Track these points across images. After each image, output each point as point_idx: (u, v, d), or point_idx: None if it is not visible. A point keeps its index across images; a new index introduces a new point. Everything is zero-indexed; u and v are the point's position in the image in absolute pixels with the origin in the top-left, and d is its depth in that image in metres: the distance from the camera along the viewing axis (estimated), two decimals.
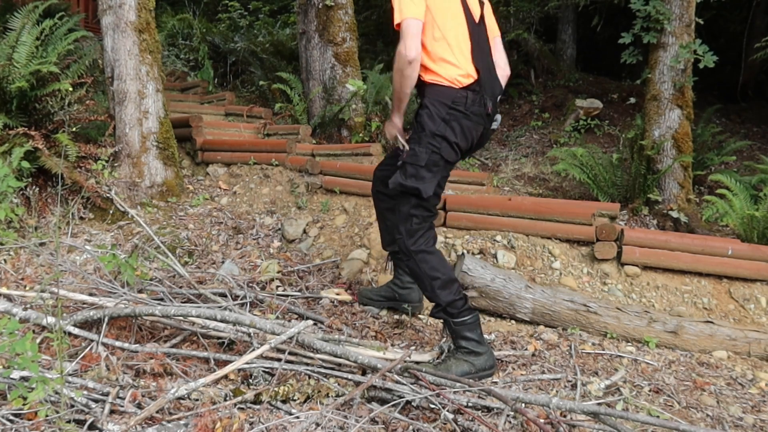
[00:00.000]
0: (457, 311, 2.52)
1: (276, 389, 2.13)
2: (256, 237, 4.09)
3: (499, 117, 2.63)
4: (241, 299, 2.95)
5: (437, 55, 2.47)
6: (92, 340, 2.39)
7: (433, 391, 2.15)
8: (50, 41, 4.25)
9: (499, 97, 2.62)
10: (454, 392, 2.20)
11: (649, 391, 2.56)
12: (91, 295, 2.79)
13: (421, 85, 2.53)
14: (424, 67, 2.48)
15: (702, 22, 5.00)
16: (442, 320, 2.62)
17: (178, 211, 4.29)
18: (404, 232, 2.55)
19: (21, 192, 3.73)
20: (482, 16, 2.65)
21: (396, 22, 2.43)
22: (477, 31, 2.58)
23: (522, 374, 2.61)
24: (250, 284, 3.31)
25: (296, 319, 2.95)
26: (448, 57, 2.47)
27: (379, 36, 9.04)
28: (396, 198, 2.58)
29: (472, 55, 2.51)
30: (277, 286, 3.41)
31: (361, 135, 5.80)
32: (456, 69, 2.47)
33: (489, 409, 2.18)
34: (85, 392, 2.00)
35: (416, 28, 2.39)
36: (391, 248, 3.03)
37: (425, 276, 2.54)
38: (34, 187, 3.77)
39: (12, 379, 1.98)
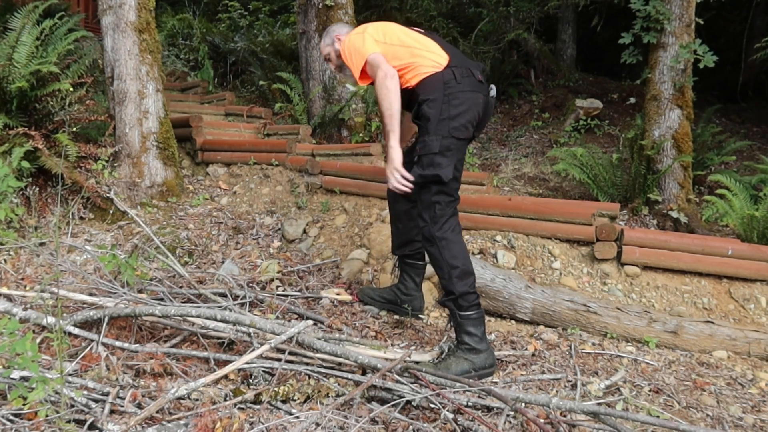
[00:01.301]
0: (467, 305, 2.55)
1: (276, 389, 2.13)
2: (256, 237, 4.09)
3: (493, 87, 2.72)
4: (241, 299, 2.94)
5: (411, 59, 2.64)
6: (92, 340, 2.38)
7: (433, 390, 2.15)
8: (50, 41, 4.26)
9: (483, 71, 2.75)
10: (454, 392, 2.20)
11: (649, 391, 2.56)
12: (91, 295, 2.79)
13: (411, 94, 2.64)
14: (407, 75, 2.63)
15: (702, 22, 5.00)
16: (448, 310, 2.64)
17: (178, 211, 4.29)
18: (428, 220, 2.59)
19: (21, 192, 3.73)
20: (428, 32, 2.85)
21: (358, 70, 2.65)
22: (431, 34, 2.78)
23: (522, 374, 2.61)
24: (250, 284, 3.31)
25: (296, 319, 2.95)
26: (420, 53, 2.64)
27: None
28: (418, 189, 2.62)
29: (437, 44, 2.70)
30: (277, 286, 3.40)
31: (361, 135, 5.80)
32: (431, 57, 2.64)
33: (489, 409, 2.18)
34: (85, 392, 2.00)
35: (380, 57, 2.61)
36: (399, 252, 3.04)
37: (445, 263, 2.56)
38: (34, 187, 3.77)
39: (12, 379, 1.98)
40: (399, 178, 2.60)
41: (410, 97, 2.66)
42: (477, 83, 2.62)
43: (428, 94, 2.57)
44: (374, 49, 2.63)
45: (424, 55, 2.64)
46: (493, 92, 2.70)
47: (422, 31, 2.79)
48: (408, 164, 2.82)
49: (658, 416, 2.30)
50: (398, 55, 2.64)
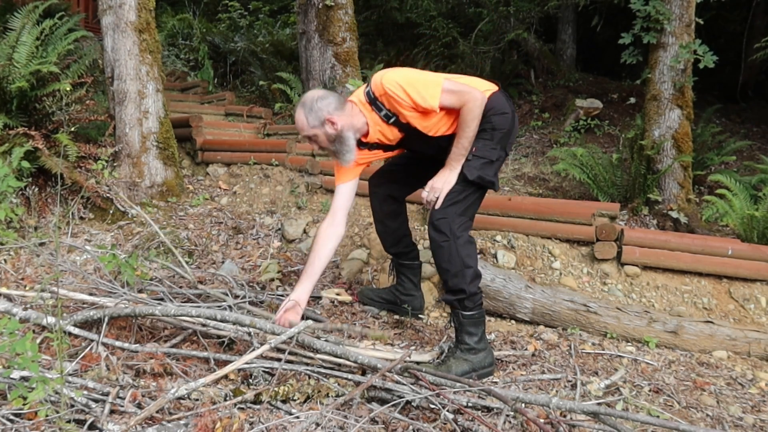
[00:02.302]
0: (473, 305, 2.54)
1: (276, 389, 2.13)
2: (256, 237, 4.09)
3: None
4: (241, 299, 2.94)
5: (468, 83, 2.59)
6: (92, 340, 2.38)
7: (433, 391, 2.15)
8: (50, 41, 4.26)
9: None
10: (454, 392, 2.20)
11: (649, 391, 2.56)
12: (91, 295, 2.79)
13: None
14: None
15: (702, 22, 5.00)
16: (450, 308, 2.64)
17: (178, 211, 4.29)
18: (451, 215, 2.52)
19: (21, 192, 3.73)
20: None
21: (436, 104, 2.46)
22: None
23: (522, 374, 2.61)
24: (250, 284, 3.30)
25: None
26: (470, 80, 2.63)
27: (379, 36, 9.05)
28: (460, 188, 2.55)
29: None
30: (277, 286, 3.40)
31: None
32: (481, 82, 2.64)
33: (489, 409, 2.18)
34: (85, 392, 2.00)
35: (452, 83, 2.49)
36: (394, 250, 3.03)
37: (460, 260, 2.51)
38: (34, 187, 3.77)
39: (12, 379, 1.98)
40: (439, 198, 2.53)
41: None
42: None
43: (499, 108, 2.56)
44: (441, 77, 2.53)
45: (475, 82, 2.62)
46: None
47: None
48: (398, 169, 2.93)
49: (658, 416, 2.30)
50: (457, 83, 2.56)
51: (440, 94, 2.45)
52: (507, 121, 2.57)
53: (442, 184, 2.53)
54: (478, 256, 3.44)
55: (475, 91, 2.49)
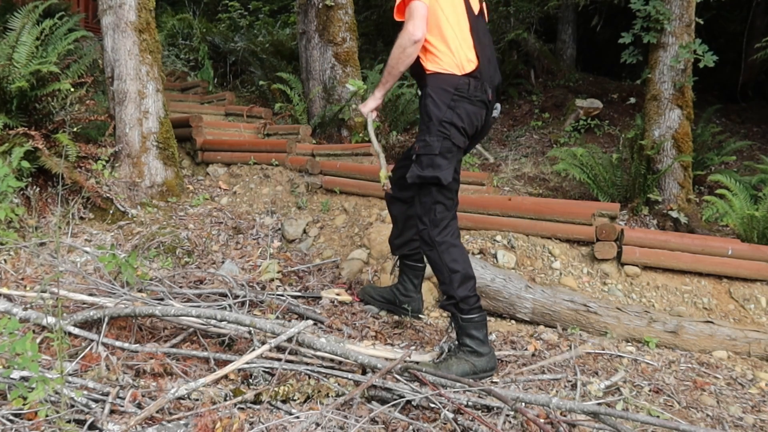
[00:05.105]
0: (468, 308, 2.53)
1: (276, 389, 2.13)
2: (256, 237, 4.09)
3: (498, 106, 2.67)
4: (242, 299, 2.94)
5: (441, 44, 2.50)
6: (92, 340, 2.38)
7: (434, 390, 2.15)
8: (50, 41, 4.25)
9: (497, 87, 2.66)
10: (454, 392, 2.20)
11: (649, 391, 2.56)
12: (91, 295, 2.79)
13: (421, 75, 2.56)
14: (427, 56, 2.52)
15: (702, 22, 5.00)
16: (449, 313, 2.63)
17: (178, 211, 4.29)
18: (428, 223, 2.55)
19: (21, 192, 3.72)
20: (481, 10, 2.69)
21: (398, 1, 2.49)
22: (477, 22, 2.62)
23: (522, 373, 2.61)
24: (251, 284, 3.30)
25: (296, 319, 2.95)
26: (452, 44, 2.51)
27: (379, 36, 9.04)
28: (416, 191, 2.59)
29: (474, 43, 2.56)
30: (277, 286, 3.40)
31: (361, 135, 5.80)
32: (458, 57, 2.51)
33: (489, 409, 2.18)
34: (85, 392, 2.00)
35: (423, 10, 2.45)
36: (399, 252, 3.02)
37: (445, 267, 2.53)
38: (34, 187, 3.76)
39: (12, 379, 1.98)
40: (365, 112, 2.74)
41: (419, 76, 2.59)
42: (485, 102, 2.56)
43: (435, 91, 2.50)
44: None
45: (449, 51, 2.50)
46: (497, 112, 2.66)
47: (476, 12, 2.63)
48: (402, 170, 2.80)
49: (658, 416, 2.30)
50: (437, 27, 2.49)
51: (409, 1, 2.46)
52: (440, 109, 2.48)
53: (362, 107, 2.74)
54: (478, 256, 3.45)
55: (410, 33, 2.43)
